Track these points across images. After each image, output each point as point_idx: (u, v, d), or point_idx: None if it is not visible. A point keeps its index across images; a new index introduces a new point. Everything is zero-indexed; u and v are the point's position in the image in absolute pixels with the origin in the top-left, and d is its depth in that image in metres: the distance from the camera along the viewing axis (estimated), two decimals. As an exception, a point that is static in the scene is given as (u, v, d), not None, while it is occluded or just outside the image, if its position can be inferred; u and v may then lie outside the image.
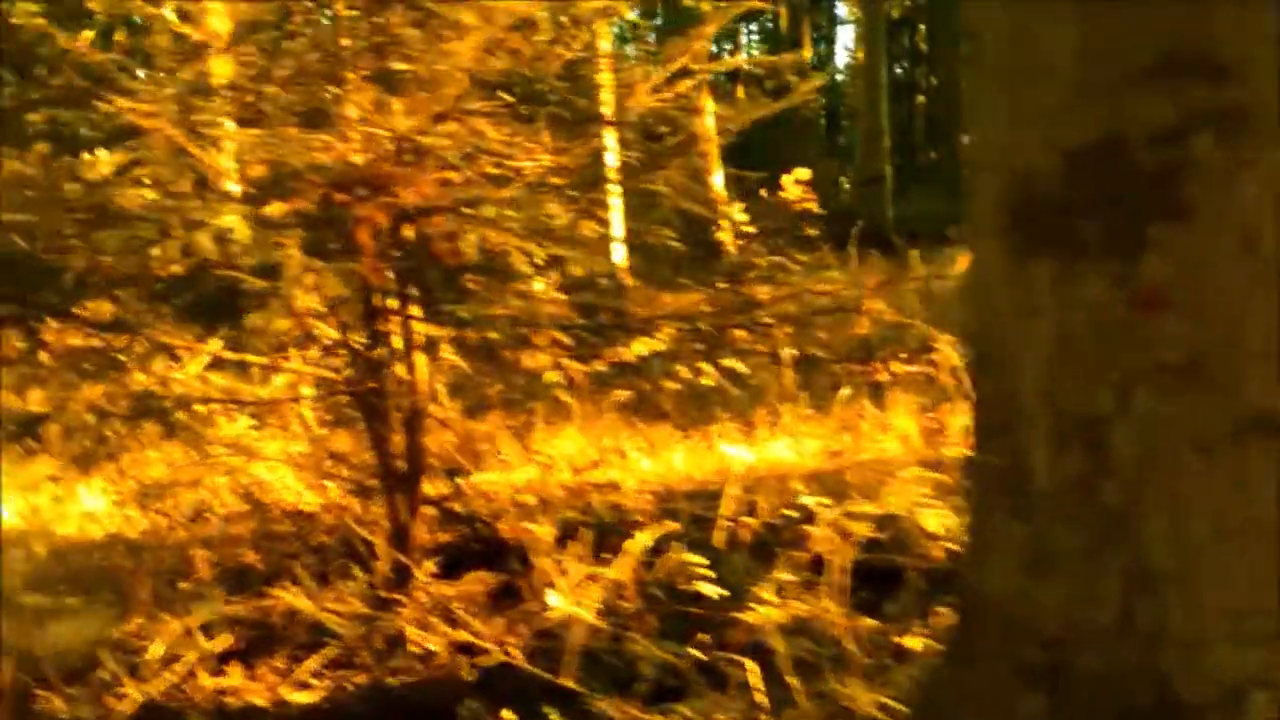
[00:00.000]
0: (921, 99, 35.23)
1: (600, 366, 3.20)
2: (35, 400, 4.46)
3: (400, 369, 3.91)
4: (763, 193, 6.24)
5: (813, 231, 6.72)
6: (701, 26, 3.89)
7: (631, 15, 3.93)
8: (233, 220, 2.67)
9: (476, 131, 3.10)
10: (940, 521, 3.47)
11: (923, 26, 35.57)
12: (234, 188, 3.23)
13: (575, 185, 3.70)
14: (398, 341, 3.82)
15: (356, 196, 2.79)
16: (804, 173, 3.95)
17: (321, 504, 4.62)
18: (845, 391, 5.85)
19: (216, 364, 4.60)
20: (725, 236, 9.47)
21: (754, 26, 35.44)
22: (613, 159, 4.12)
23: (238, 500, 5.16)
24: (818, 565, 3.50)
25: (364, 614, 3.82)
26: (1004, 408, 1.91)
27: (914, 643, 2.89)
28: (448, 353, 3.83)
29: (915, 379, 6.30)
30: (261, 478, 5.18)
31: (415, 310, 3.79)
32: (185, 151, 2.91)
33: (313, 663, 3.62)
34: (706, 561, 3.21)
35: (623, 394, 4.01)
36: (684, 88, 3.91)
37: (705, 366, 3.34)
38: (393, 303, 3.70)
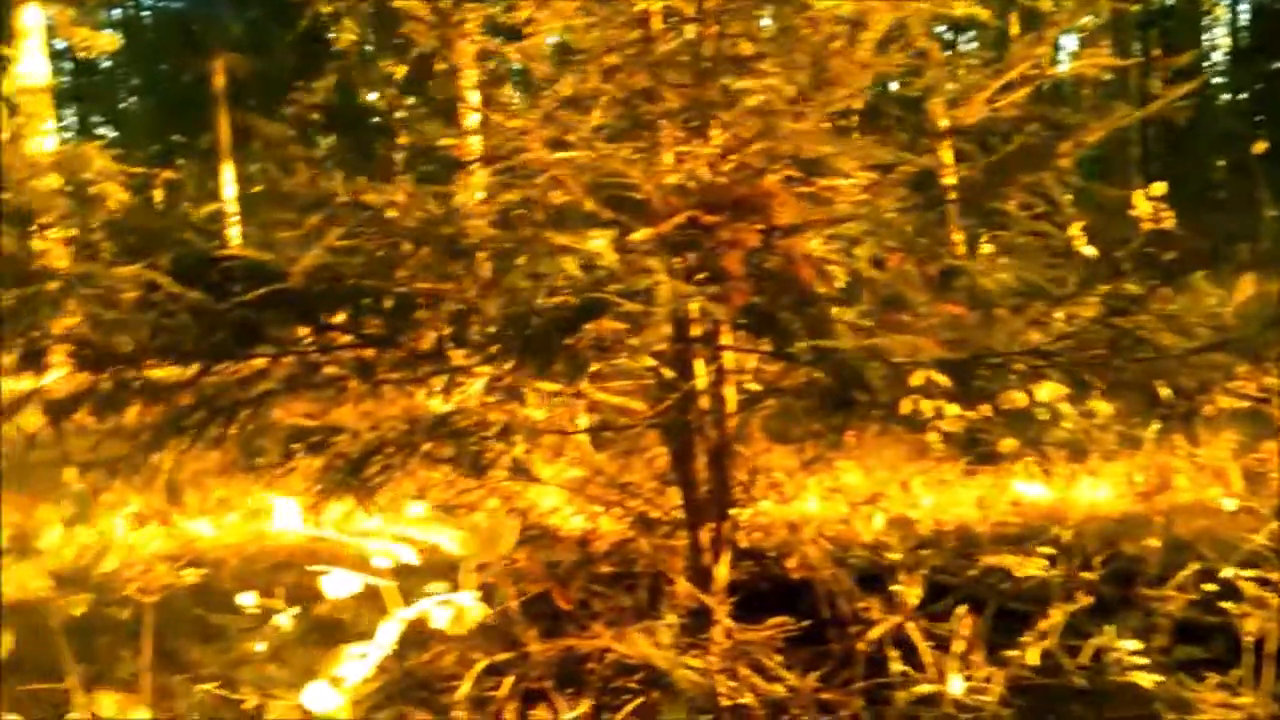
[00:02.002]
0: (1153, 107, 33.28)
1: (986, 412, 2.88)
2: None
3: (705, 400, 3.71)
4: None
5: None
6: (1046, 29, 3.56)
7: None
8: (601, 246, 2.49)
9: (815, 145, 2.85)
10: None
11: (1153, 32, 33.70)
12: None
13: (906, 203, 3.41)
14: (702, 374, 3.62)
15: (726, 217, 2.58)
16: (1159, 188, 3.53)
17: (615, 537, 4.44)
18: (1154, 426, 5.35)
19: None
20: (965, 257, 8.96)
21: (973, 33, 34.24)
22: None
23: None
24: (1186, 633, 3.11)
25: (671, 658, 3.62)
26: None
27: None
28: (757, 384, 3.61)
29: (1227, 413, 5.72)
30: (536, 504, 5.08)
31: (727, 339, 3.58)
32: (551, 173, 2.76)
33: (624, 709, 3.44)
34: (1140, 646, 2.85)
35: (1010, 441, 3.64)
36: (1022, 95, 3.59)
37: (1065, 408, 3.00)
38: (698, 330, 3.50)
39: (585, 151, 2.73)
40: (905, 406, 2.79)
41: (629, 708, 3.44)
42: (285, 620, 2.66)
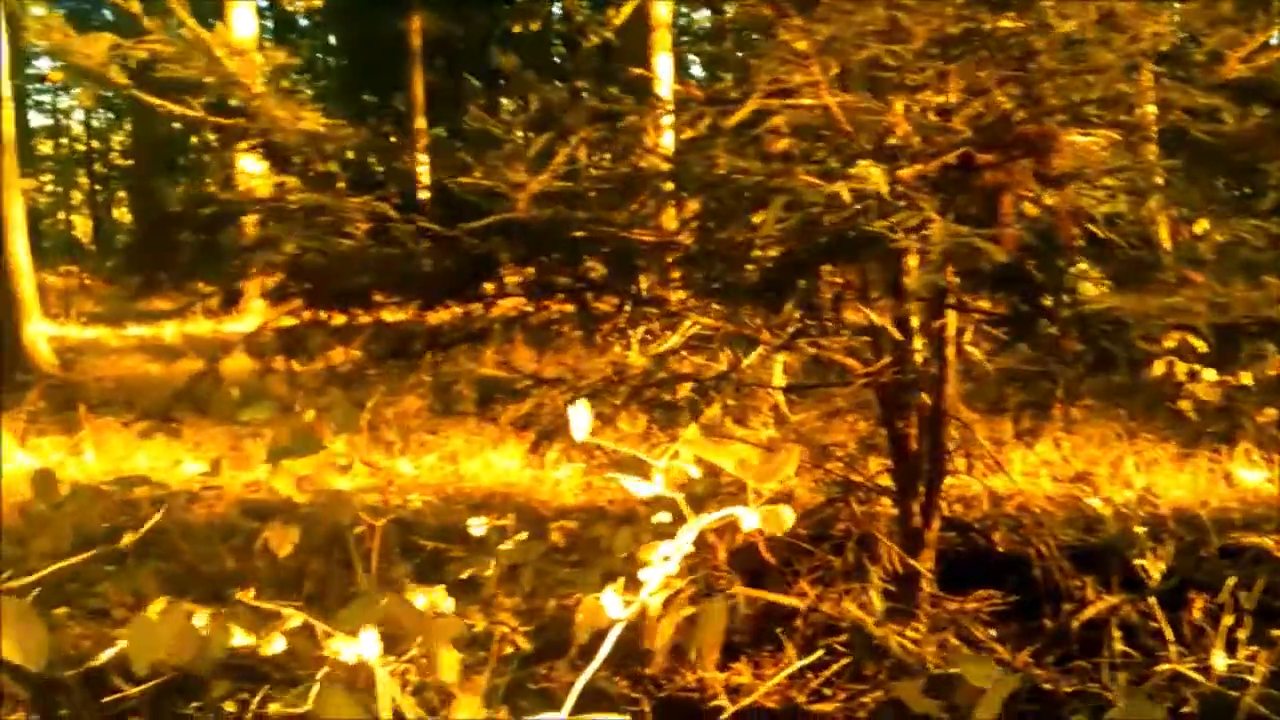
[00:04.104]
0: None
1: (1245, 380, 2.69)
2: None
3: (921, 359, 3.59)
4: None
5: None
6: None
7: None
8: (875, 173, 2.39)
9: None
10: None
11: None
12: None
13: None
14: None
15: (1001, 157, 2.46)
16: None
17: (808, 498, 4.36)
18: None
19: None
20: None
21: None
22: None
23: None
24: None
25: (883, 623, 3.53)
26: None
27: None
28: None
29: None
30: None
31: (952, 298, 3.44)
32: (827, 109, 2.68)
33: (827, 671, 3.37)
34: None
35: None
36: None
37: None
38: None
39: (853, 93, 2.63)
40: (1158, 369, 2.61)
41: (832, 669, 3.37)
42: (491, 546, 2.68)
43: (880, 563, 3.80)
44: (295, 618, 1.51)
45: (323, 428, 1.91)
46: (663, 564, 1.44)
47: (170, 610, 1.36)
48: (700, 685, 3.40)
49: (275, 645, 1.50)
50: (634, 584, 1.57)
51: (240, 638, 1.41)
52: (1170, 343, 2.50)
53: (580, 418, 1.50)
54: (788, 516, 1.46)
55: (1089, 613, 3.52)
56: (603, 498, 5.41)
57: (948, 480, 4.41)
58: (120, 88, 2.90)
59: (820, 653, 3.38)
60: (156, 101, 3.00)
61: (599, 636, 1.88)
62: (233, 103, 3.72)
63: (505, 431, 6.53)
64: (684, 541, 1.44)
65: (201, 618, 1.39)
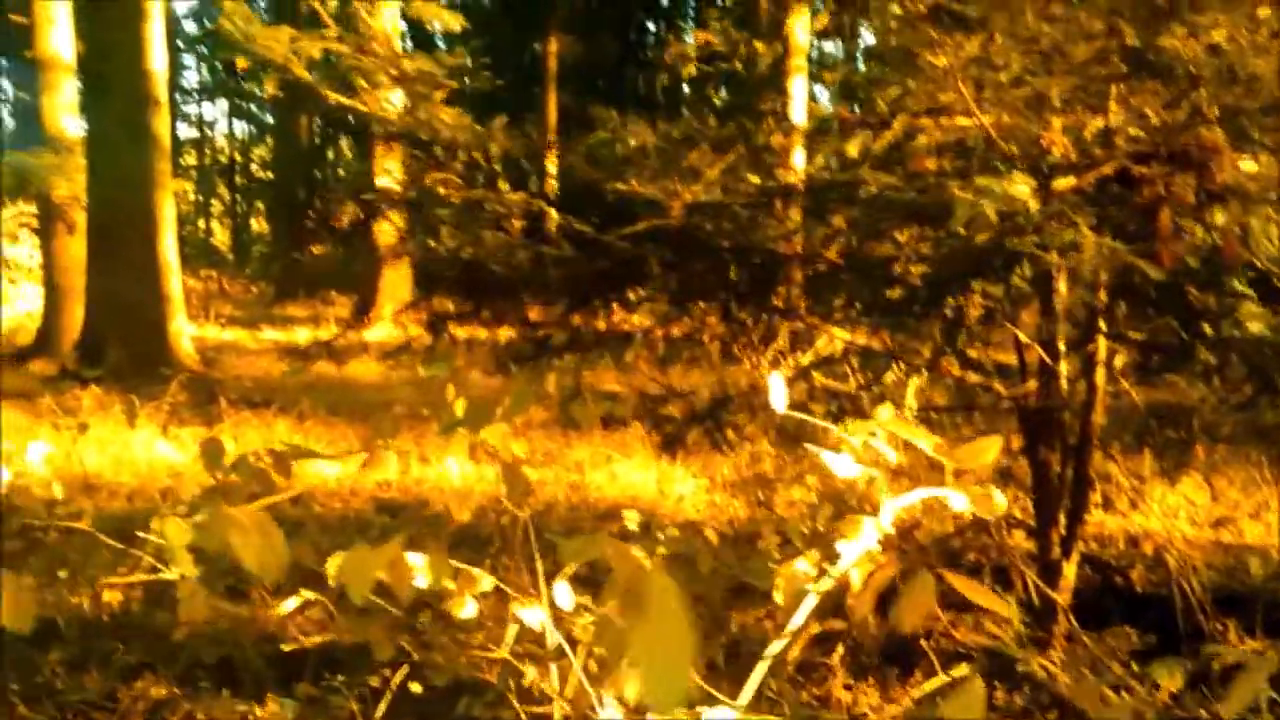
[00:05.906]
0: None
1: None
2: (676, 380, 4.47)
3: (1067, 387, 3.52)
4: None
5: None
6: None
7: None
8: (1023, 190, 2.37)
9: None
10: None
11: None
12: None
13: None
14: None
15: (1160, 170, 2.41)
16: None
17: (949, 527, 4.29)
18: None
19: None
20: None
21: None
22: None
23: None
24: None
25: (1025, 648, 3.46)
26: None
27: None
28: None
29: None
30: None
31: (1104, 322, 3.37)
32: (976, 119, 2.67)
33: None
34: None
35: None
36: None
37: None
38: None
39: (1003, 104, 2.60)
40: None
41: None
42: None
43: (1015, 593, 3.73)
44: (484, 579, 1.55)
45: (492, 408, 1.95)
46: (863, 538, 1.44)
47: (384, 545, 1.42)
48: (826, 701, 3.38)
49: (467, 608, 1.54)
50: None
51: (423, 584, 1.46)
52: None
53: (778, 387, 1.51)
54: (1000, 501, 1.44)
55: (1232, 656, 3.40)
56: (724, 515, 5.40)
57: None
58: (302, 82, 3.02)
59: (950, 676, 3.30)
60: (332, 96, 3.11)
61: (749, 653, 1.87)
62: (393, 103, 3.85)
63: (631, 444, 6.59)
64: (886, 518, 1.44)
65: (418, 557, 1.45)
